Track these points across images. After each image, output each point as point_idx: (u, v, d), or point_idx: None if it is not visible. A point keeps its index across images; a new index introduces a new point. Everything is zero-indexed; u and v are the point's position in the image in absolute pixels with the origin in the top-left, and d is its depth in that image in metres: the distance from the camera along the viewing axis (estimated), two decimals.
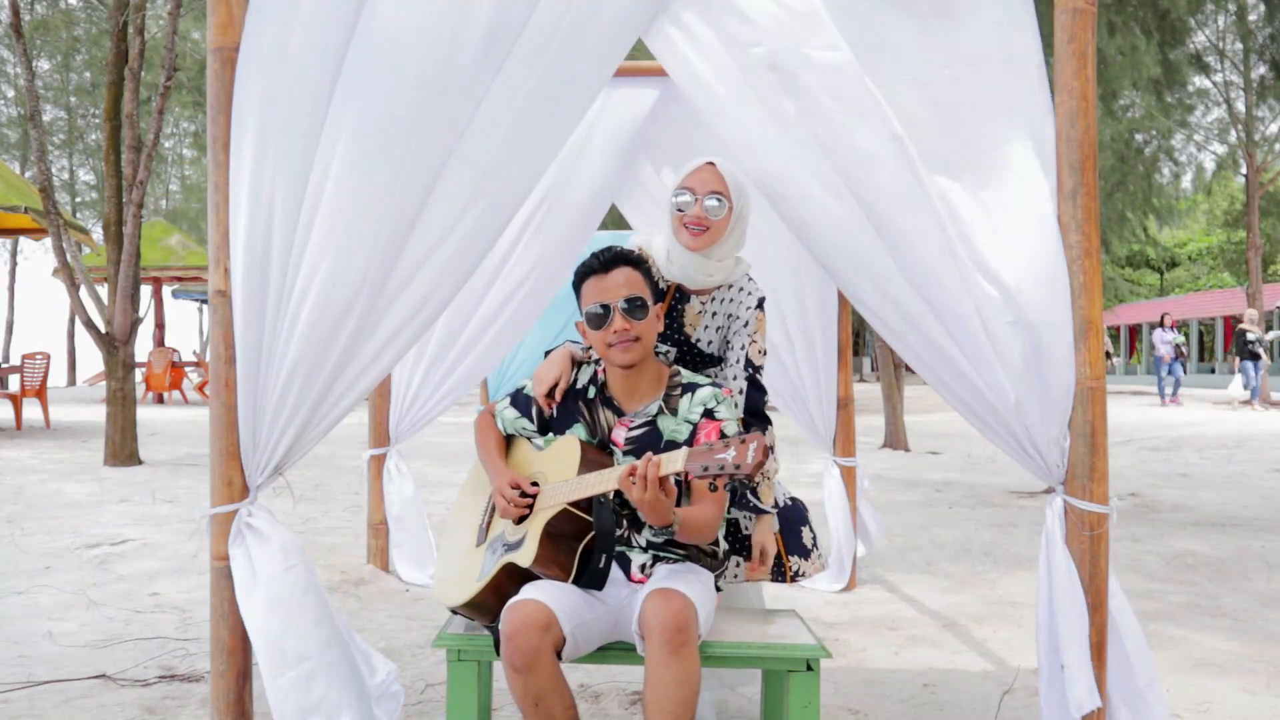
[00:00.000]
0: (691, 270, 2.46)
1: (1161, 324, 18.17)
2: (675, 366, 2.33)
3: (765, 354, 2.55)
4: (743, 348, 2.50)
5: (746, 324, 2.52)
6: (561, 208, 4.19)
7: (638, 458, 2.02)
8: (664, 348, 2.46)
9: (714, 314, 2.52)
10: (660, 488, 1.96)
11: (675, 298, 2.52)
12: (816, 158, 2.26)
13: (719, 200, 2.40)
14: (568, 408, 2.33)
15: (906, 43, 2.18)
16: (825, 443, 4.47)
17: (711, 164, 2.44)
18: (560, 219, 4.20)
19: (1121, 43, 11.68)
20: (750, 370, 2.49)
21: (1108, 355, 20.65)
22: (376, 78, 2.08)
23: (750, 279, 2.57)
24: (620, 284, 2.20)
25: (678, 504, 2.20)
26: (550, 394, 2.34)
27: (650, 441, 2.22)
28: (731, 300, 2.54)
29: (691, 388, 2.26)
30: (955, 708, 2.94)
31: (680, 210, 2.43)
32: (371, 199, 2.11)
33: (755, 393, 2.49)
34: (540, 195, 4.14)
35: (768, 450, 1.85)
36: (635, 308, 2.19)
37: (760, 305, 2.54)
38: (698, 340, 2.51)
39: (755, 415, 2.49)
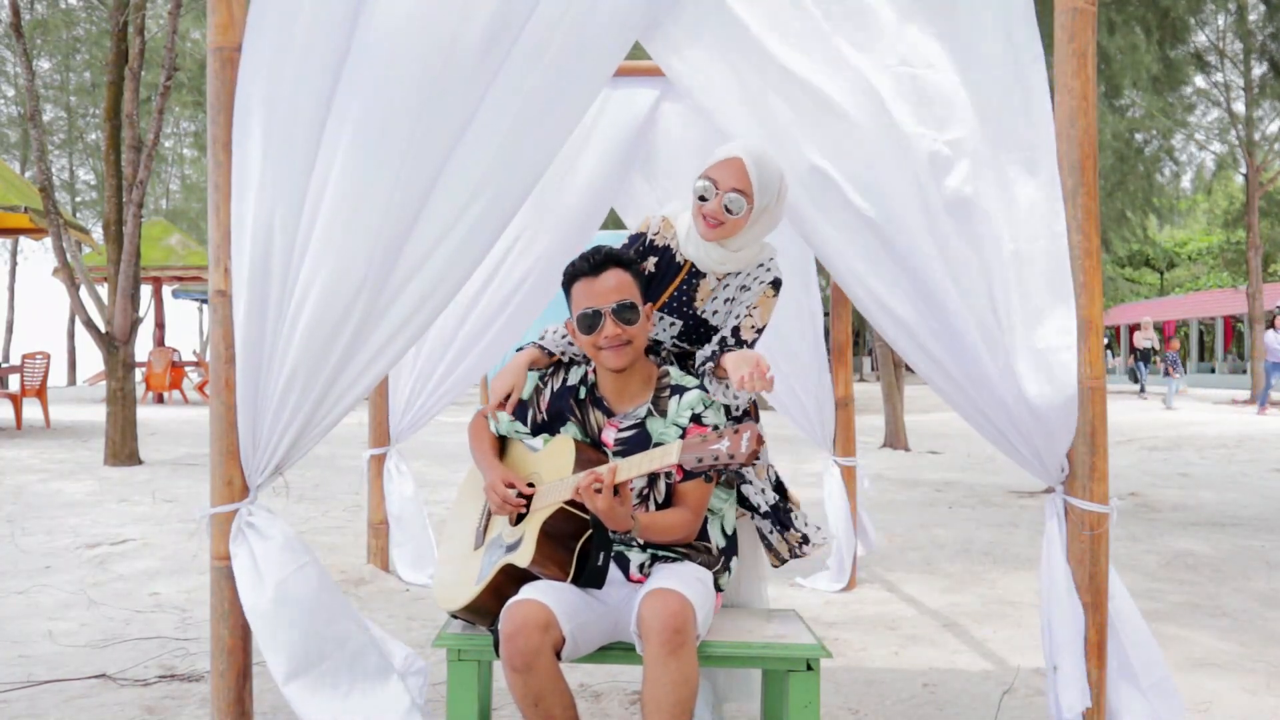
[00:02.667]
0: (705, 256, 2.42)
1: (1273, 325, 16.01)
2: (664, 368, 2.33)
3: (759, 331, 2.48)
4: (737, 317, 2.45)
5: (753, 301, 2.47)
6: (561, 208, 4.19)
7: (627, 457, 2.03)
8: (669, 320, 2.46)
9: (726, 285, 2.49)
10: (615, 495, 1.97)
11: (690, 273, 2.49)
12: (814, 159, 2.26)
13: (740, 198, 2.31)
14: (560, 407, 2.34)
15: (906, 41, 2.18)
16: (825, 443, 4.47)
17: (739, 159, 2.32)
18: (560, 219, 4.20)
19: (1122, 42, 11.69)
20: (734, 341, 2.42)
21: (1154, 353, 19.76)
22: (377, 78, 2.08)
23: (773, 259, 2.52)
24: (611, 288, 2.19)
25: (667, 504, 2.21)
26: (505, 403, 2.34)
27: (639, 443, 2.22)
28: (749, 275, 2.49)
29: (679, 390, 2.26)
30: (955, 708, 2.94)
31: (701, 199, 2.35)
32: (372, 199, 2.11)
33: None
34: (540, 195, 4.14)
35: (761, 439, 1.85)
36: (626, 312, 2.19)
37: (774, 285, 2.49)
38: (704, 313, 2.49)
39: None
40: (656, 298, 2.49)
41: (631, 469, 1.99)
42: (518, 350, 2.43)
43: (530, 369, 2.41)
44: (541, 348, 2.43)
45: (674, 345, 2.52)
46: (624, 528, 2.02)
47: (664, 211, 2.59)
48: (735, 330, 2.43)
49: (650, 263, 2.51)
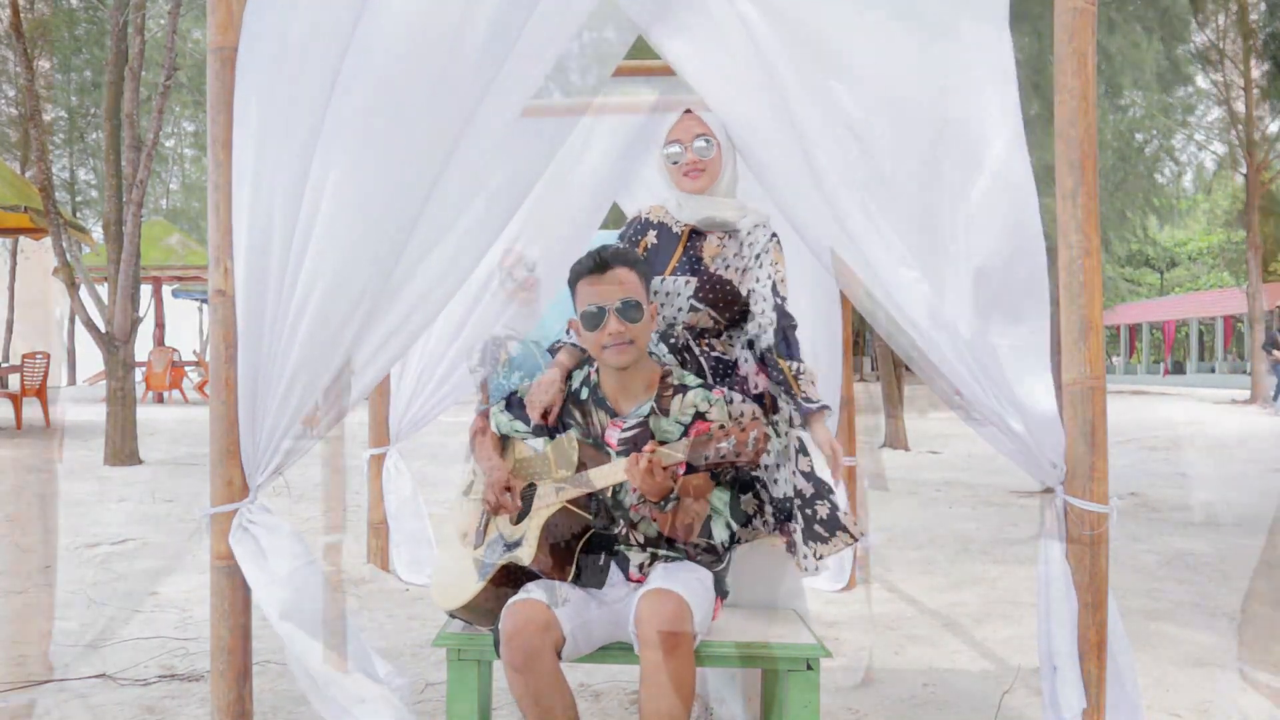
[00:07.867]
0: (704, 210, 2.56)
1: None
2: (667, 367, 2.33)
3: (785, 283, 2.61)
4: (769, 276, 2.56)
5: (764, 252, 2.58)
6: (562, 207, 4.19)
7: None
8: (684, 279, 2.50)
9: (725, 245, 2.58)
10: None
11: (690, 237, 2.59)
12: (808, 153, 2.25)
13: (706, 141, 2.52)
14: (563, 411, 2.33)
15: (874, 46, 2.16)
16: None
17: (689, 111, 2.55)
18: (561, 219, 4.20)
19: (1122, 41, 11.67)
20: (779, 299, 2.53)
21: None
22: (377, 77, 2.08)
23: (767, 219, 2.64)
24: (616, 286, 2.20)
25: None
26: (545, 414, 2.35)
27: (642, 442, 2.21)
28: (749, 234, 2.61)
29: (683, 389, 2.26)
30: (955, 707, 2.94)
31: (674, 162, 2.55)
32: (372, 198, 2.11)
33: (785, 320, 2.52)
34: (541, 195, 4.13)
35: (768, 437, 1.86)
36: (630, 310, 2.19)
37: (774, 239, 2.62)
38: (715, 269, 2.54)
39: (788, 342, 2.51)
40: (665, 265, 2.55)
41: None
42: (551, 350, 2.45)
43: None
44: (574, 345, 2.42)
45: (691, 306, 2.53)
46: (665, 491, 2.05)
47: (640, 210, 2.72)
48: (774, 288, 2.54)
49: (651, 235, 2.61)
